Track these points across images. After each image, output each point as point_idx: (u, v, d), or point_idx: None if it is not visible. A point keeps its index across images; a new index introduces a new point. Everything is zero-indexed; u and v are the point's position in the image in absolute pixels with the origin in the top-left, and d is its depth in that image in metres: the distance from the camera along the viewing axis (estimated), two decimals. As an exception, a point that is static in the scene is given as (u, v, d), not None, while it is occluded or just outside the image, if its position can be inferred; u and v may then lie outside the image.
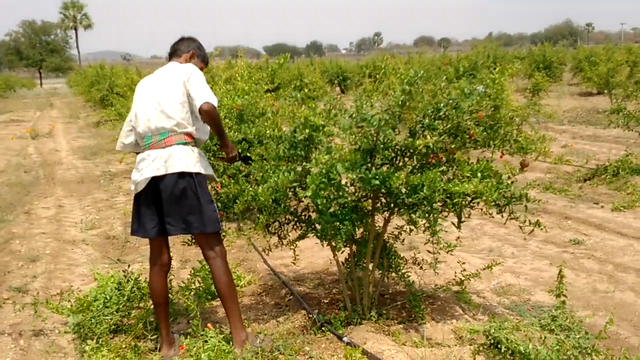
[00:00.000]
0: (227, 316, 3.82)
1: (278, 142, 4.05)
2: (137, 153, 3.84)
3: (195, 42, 4.12)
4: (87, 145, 15.37)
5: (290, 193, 4.05)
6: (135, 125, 3.81)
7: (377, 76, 4.35)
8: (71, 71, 56.56)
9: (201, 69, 3.98)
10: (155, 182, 3.65)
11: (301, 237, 4.17)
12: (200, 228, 3.70)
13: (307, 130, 3.73)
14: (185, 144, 3.68)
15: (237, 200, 4.00)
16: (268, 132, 4.21)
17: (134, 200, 3.83)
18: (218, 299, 4.47)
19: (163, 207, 3.68)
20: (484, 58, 25.42)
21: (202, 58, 4.11)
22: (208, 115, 3.60)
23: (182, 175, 3.60)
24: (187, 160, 3.62)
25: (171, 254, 4.03)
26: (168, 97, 3.68)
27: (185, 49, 4.05)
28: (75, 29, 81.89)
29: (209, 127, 3.84)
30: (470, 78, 15.37)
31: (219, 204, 4.14)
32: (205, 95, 3.60)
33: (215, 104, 3.62)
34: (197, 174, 3.65)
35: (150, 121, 3.70)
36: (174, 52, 4.06)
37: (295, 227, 4.28)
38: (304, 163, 3.87)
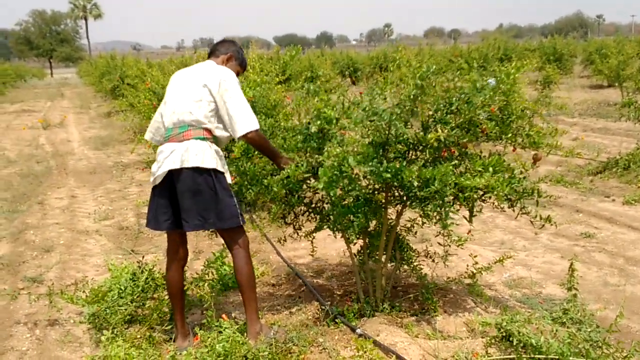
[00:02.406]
0: (244, 306, 3.84)
1: (293, 133, 4.07)
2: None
3: (236, 45, 4.12)
4: (98, 136, 15.42)
5: (304, 184, 4.07)
6: (163, 115, 3.85)
7: (391, 68, 4.34)
8: (81, 61, 56.60)
9: (237, 72, 3.99)
10: (171, 176, 3.66)
11: (317, 229, 4.20)
12: (216, 224, 3.69)
13: (319, 123, 3.75)
14: (203, 139, 3.65)
15: (250, 189, 4.03)
16: (282, 124, 4.22)
17: (151, 192, 3.83)
18: (231, 290, 4.52)
19: (179, 202, 3.68)
20: (494, 50, 25.33)
21: (239, 62, 4.10)
22: (254, 143, 3.72)
23: (198, 170, 3.58)
24: (203, 156, 3.59)
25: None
26: (194, 95, 3.69)
27: (225, 50, 4.04)
28: (85, 19, 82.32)
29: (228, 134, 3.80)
30: (480, 70, 15.26)
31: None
32: (246, 122, 3.64)
33: (258, 127, 3.67)
34: (215, 170, 3.63)
35: (174, 113, 3.72)
36: (212, 53, 4.06)
37: (309, 218, 4.30)
38: (317, 155, 3.89)
